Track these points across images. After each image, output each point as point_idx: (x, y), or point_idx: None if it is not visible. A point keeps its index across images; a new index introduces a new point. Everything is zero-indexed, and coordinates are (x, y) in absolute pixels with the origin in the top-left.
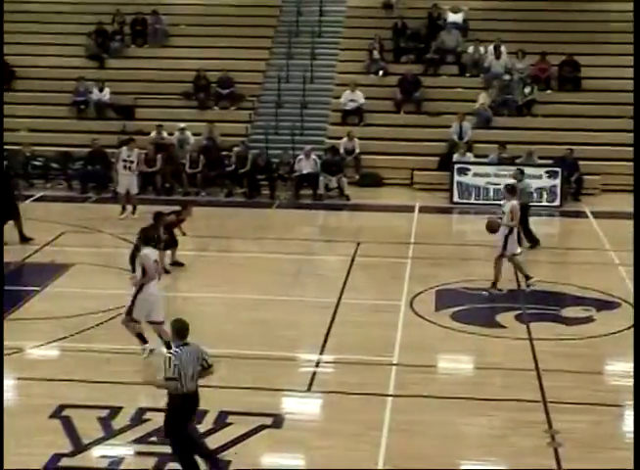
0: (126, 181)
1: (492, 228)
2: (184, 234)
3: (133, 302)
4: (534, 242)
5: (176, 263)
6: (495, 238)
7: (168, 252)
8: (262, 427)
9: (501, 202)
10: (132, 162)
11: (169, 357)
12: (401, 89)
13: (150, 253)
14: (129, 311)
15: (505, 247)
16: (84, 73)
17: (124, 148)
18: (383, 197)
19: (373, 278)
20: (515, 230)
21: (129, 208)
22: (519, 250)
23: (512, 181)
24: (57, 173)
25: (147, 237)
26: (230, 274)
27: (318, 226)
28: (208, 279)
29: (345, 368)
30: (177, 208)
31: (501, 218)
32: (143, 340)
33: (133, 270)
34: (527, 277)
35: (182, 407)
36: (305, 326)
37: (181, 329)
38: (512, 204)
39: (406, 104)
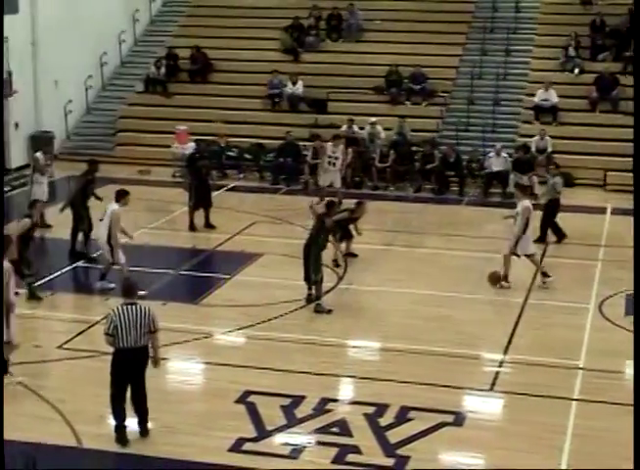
0: (330, 176)
1: (493, 281)
2: (359, 234)
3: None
4: (561, 236)
5: (350, 254)
6: (508, 235)
7: (343, 244)
8: (443, 424)
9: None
10: (337, 158)
11: (109, 314)
12: (598, 88)
13: None
14: None
15: (516, 246)
16: (279, 67)
17: (330, 144)
18: (574, 197)
19: (561, 279)
20: (527, 231)
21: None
22: (532, 250)
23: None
24: (250, 164)
25: None
26: (415, 269)
27: (507, 225)
28: (394, 274)
29: (530, 369)
30: (351, 206)
31: (515, 219)
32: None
33: None
34: (506, 278)
35: (118, 361)
36: (490, 325)
37: (126, 288)
38: (524, 205)
39: (602, 103)
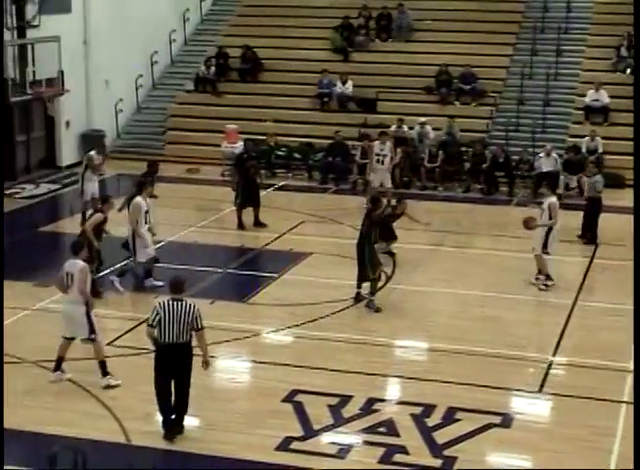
0: (380, 176)
1: (527, 226)
2: (427, 223)
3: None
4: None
5: (388, 253)
6: (534, 236)
7: (383, 244)
8: (491, 425)
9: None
10: (385, 156)
11: (155, 306)
12: None
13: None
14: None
15: (545, 245)
16: (329, 66)
17: (377, 142)
18: (624, 198)
19: (611, 281)
20: (554, 229)
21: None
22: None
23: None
24: (299, 164)
25: None
26: (464, 270)
27: (556, 226)
28: (442, 274)
29: (579, 371)
30: (392, 202)
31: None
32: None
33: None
34: (548, 276)
35: (160, 356)
36: (538, 326)
37: (174, 284)
38: (551, 201)
39: None
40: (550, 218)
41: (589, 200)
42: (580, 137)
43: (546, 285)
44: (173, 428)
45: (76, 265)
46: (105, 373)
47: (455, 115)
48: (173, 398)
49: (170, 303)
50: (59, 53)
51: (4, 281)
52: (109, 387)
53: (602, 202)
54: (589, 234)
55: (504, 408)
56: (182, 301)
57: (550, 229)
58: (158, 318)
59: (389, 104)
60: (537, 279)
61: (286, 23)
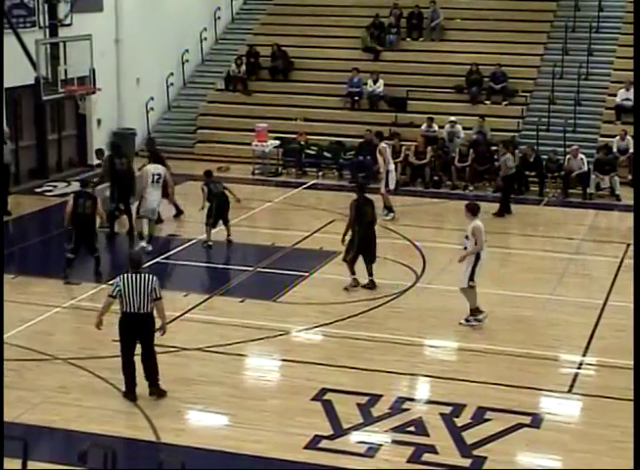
0: None
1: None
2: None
3: None
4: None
5: None
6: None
7: None
8: (520, 425)
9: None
10: None
11: (116, 279)
12: None
13: None
14: None
15: (472, 277)
16: (359, 65)
17: None
18: None
19: None
20: (482, 257)
21: None
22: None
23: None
24: (329, 162)
25: None
26: (494, 270)
27: (587, 226)
28: None
29: (609, 372)
30: None
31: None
32: None
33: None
34: (474, 312)
35: (123, 323)
36: (569, 326)
37: (132, 260)
38: (474, 225)
39: None
40: (476, 244)
41: (503, 178)
42: (611, 137)
43: (478, 320)
44: (150, 392)
45: None
46: None
47: (486, 114)
48: (143, 365)
49: (131, 275)
50: (90, 51)
51: (35, 278)
52: None
53: (514, 178)
54: (502, 210)
55: (534, 408)
56: (141, 273)
57: (478, 258)
58: (118, 290)
59: (420, 103)
60: (467, 320)
61: (316, 22)
